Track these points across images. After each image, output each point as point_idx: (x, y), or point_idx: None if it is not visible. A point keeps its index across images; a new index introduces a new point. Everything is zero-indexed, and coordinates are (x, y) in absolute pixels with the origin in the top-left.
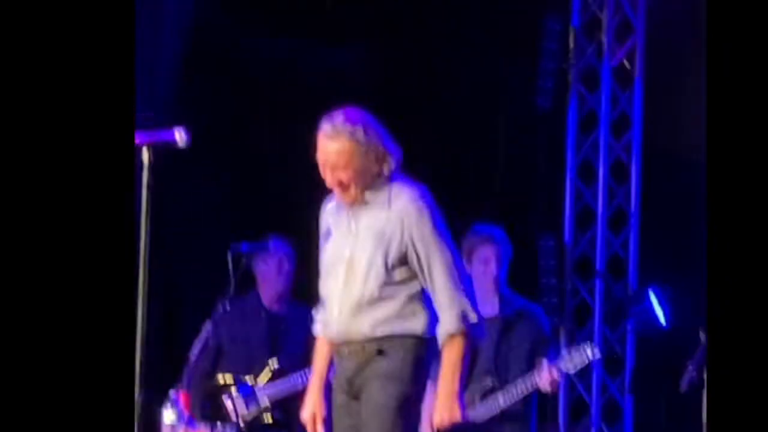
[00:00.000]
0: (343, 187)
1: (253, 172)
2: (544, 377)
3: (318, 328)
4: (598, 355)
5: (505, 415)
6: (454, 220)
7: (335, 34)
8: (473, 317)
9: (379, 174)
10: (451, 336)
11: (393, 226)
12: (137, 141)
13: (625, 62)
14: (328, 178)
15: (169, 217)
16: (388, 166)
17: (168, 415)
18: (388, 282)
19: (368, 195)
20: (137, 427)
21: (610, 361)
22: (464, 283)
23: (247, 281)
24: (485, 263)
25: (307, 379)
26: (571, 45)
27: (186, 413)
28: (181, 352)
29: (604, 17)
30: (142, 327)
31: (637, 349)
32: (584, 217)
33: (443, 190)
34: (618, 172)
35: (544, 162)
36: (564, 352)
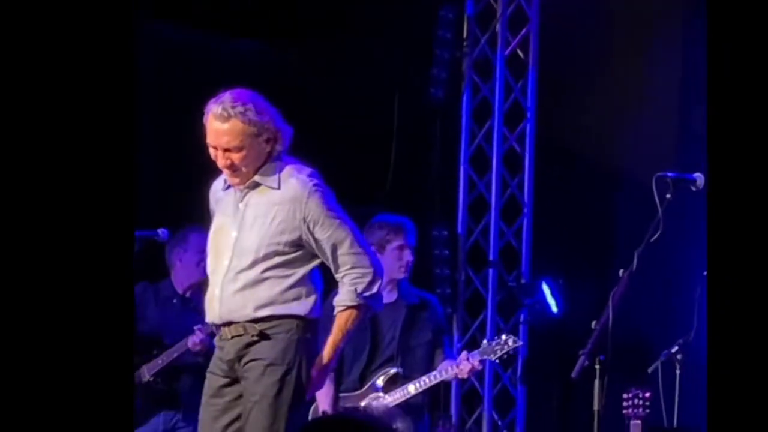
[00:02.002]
0: (235, 169)
1: (152, 159)
2: (464, 367)
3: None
4: (519, 343)
5: (409, 406)
6: (348, 210)
7: (234, 23)
8: (376, 288)
9: (270, 154)
10: (349, 308)
11: (284, 209)
12: None
13: (519, 52)
14: (220, 160)
15: None
16: (280, 145)
17: None
18: (275, 264)
19: (258, 176)
20: None
21: None
22: (370, 254)
23: (163, 269)
24: (400, 250)
25: (182, 350)
26: (465, 34)
27: None
28: None
29: (498, 6)
30: None
31: (530, 339)
32: (477, 207)
33: (336, 181)
34: (511, 162)
35: (438, 152)
36: (485, 342)
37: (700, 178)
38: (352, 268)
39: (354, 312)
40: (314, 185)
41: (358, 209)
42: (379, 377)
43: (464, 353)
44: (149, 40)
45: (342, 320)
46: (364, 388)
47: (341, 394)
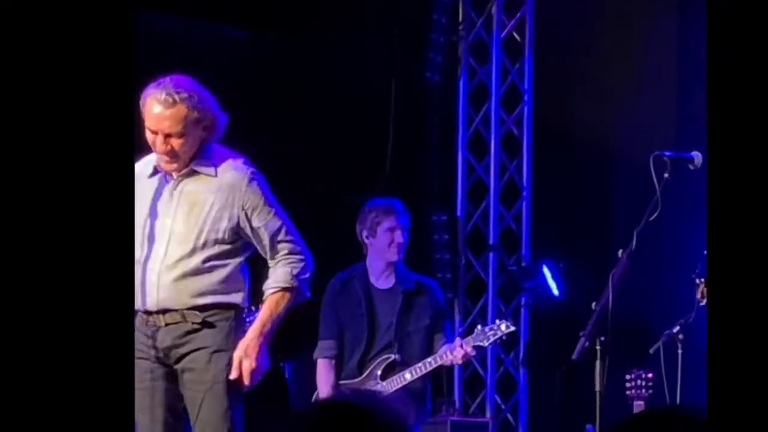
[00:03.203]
0: (174, 155)
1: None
2: (457, 353)
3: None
4: (512, 328)
5: (410, 392)
6: (347, 197)
7: (220, 11)
8: (308, 274)
9: (204, 141)
10: (282, 289)
11: (222, 197)
12: None
13: (515, 34)
14: (159, 146)
15: None
16: (215, 133)
17: None
18: (215, 253)
19: (195, 164)
20: None
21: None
22: (302, 244)
23: None
24: (391, 231)
25: None
26: (461, 18)
27: None
28: None
29: None
30: None
31: (531, 322)
32: (476, 191)
33: (334, 168)
34: (509, 146)
35: (436, 136)
36: (478, 328)
37: (697, 156)
38: (289, 253)
39: (287, 294)
40: (252, 173)
41: (357, 196)
42: (377, 365)
43: (458, 339)
44: (138, 29)
45: (273, 302)
46: (363, 376)
47: (341, 382)
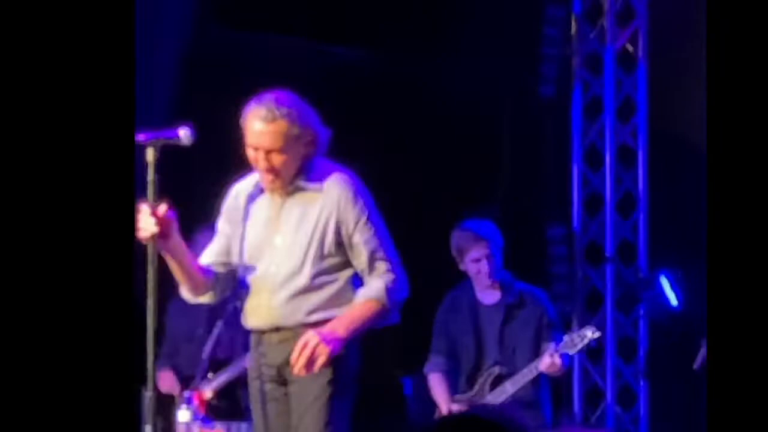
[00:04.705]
0: (276, 172)
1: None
2: (545, 361)
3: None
4: (597, 334)
5: (519, 402)
6: (464, 213)
7: (334, 32)
8: (403, 295)
9: (307, 157)
10: (371, 299)
11: (327, 213)
12: (142, 139)
13: (628, 46)
14: (261, 163)
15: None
16: (318, 149)
17: (182, 415)
18: (323, 269)
19: (299, 180)
20: (152, 427)
21: (624, 347)
22: (401, 265)
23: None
24: (477, 261)
25: (244, 366)
26: (573, 31)
27: (201, 412)
28: None
29: (605, 2)
30: (153, 326)
31: (651, 333)
32: (592, 203)
33: (451, 184)
34: (625, 157)
35: (551, 150)
36: (566, 336)
37: None
38: (387, 272)
39: (377, 308)
40: (356, 189)
41: (473, 212)
42: (485, 380)
43: (551, 347)
44: (248, 47)
45: (361, 307)
46: (473, 392)
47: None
